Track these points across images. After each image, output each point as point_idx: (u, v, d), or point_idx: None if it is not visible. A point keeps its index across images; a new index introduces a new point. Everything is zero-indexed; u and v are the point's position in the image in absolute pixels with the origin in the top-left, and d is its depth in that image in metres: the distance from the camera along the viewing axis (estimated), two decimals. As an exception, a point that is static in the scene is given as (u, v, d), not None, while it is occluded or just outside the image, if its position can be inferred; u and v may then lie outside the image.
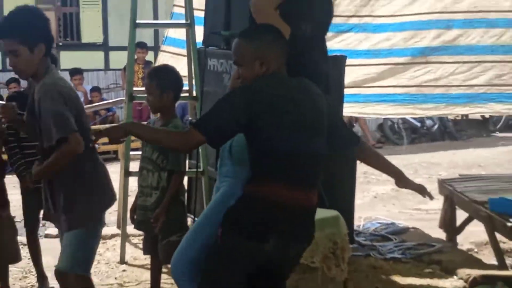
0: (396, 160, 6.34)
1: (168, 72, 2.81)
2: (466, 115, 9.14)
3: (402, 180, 2.06)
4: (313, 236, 1.96)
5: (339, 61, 3.49)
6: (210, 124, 1.71)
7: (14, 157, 3.02)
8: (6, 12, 3.33)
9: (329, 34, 3.09)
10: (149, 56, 7.97)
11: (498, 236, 3.81)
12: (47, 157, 2.07)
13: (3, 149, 3.08)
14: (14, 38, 1.99)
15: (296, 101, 1.80)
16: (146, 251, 2.95)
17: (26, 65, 2.05)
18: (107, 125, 5.86)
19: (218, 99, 1.81)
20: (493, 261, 3.96)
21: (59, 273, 2.30)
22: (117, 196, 2.60)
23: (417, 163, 7.40)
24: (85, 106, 3.65)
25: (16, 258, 3.03)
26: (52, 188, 2.19)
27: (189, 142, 1.81)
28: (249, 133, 1.76)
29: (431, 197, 2.12)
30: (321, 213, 2.46)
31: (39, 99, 2.04)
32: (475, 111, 5.85)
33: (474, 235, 4.42)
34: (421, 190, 2.06)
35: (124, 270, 3.65)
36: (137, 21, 3.34)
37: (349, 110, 4.88)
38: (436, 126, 9.17)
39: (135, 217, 2.77)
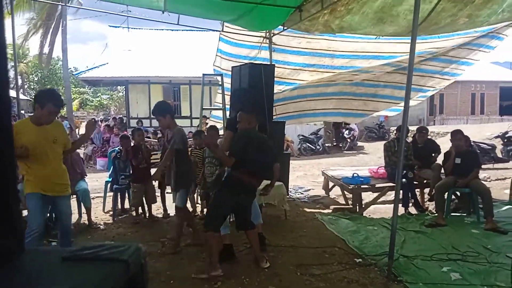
0: (307, 161, 11.39)
1: (214, 128, 5.47)
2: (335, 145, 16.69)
3: (270, 184, 4.11)
4: (254, 195, 3.87)
5: (281, 123, 6.73)
6: (235, 151, 3.68)
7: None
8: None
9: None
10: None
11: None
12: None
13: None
14: (158, 114, 4.36)
15: (259, 141, 3.73)
16: (203, 197, 5.80)
17: (166, 123, 4.42)
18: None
19: (235, 139, 3.77)
20: (343, 201, 7.39)
21: (177, 208, 4.45)
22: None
23: (313, 162, 12.07)
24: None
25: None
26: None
27: (231, 161, 3.71)
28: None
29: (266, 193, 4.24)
30: (277, 183, 4.64)
31: (173, 134, 4.30)
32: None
33: (336, 192, 7.79)
34: (266, 189, 4.11)
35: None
36: (204, 107, 6.82)
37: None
38: (321, 148, 14.95)
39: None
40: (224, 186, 3.78)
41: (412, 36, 3.67)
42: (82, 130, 21.23)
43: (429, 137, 7.36)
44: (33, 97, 3.99)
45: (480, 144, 10.47)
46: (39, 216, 3.58)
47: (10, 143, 0.72)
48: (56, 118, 3.94)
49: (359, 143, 17.65)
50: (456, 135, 5.82)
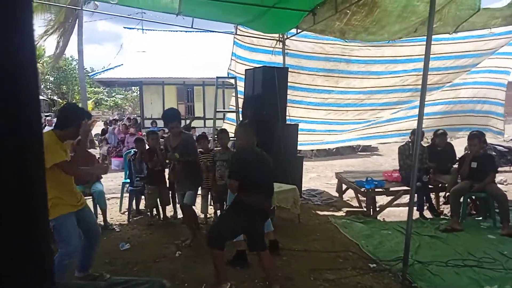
0: (320, 162, 11.18)
1: (224, 132, 5.66)
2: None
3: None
4: (268, 217, 3.71)
5: (295, 126, 6.61)
6: (234, 174, 3.53)
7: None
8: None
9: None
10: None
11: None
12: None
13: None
14: (176, 120, 4.57)
15: (257, 158, 3.49)
16: (215, 201, 5.85)
17: (179, 131, 4.61)
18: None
19: (232, 161, 4.11)
20: (356, 204, 7.35)
21: (186, 206, 4.61)
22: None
23: (326, 164, 12.04)
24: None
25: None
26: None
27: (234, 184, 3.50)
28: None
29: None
30: (290, 187, 5.24)
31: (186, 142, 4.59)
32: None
33: (349, 195, 7.76)
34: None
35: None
36: (217, 109, 6.92)
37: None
38: (334, 149, 14.54)
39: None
40: (234, 209, 3.54)
41: (427, 34, 3.65)
42: (97, 130, 21.43)
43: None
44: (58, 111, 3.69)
45: (496, 147, 10.28)
46: (77, 236, 3.44)
47: (42, 166, 0.58)
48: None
49: (373, 144, 17.51)
50: (473, 139, 5.72)
